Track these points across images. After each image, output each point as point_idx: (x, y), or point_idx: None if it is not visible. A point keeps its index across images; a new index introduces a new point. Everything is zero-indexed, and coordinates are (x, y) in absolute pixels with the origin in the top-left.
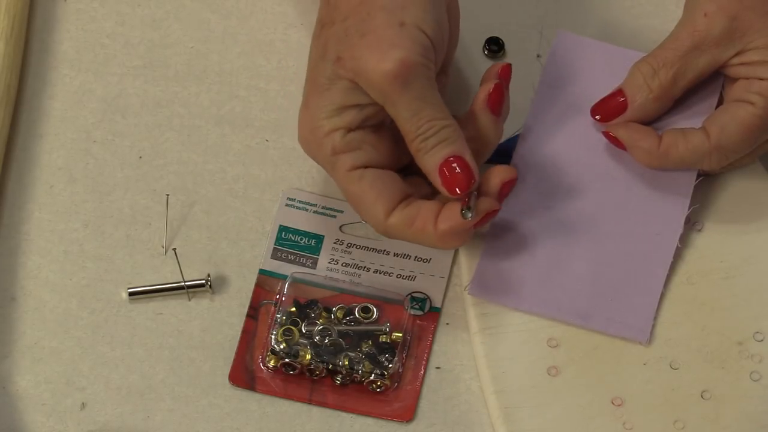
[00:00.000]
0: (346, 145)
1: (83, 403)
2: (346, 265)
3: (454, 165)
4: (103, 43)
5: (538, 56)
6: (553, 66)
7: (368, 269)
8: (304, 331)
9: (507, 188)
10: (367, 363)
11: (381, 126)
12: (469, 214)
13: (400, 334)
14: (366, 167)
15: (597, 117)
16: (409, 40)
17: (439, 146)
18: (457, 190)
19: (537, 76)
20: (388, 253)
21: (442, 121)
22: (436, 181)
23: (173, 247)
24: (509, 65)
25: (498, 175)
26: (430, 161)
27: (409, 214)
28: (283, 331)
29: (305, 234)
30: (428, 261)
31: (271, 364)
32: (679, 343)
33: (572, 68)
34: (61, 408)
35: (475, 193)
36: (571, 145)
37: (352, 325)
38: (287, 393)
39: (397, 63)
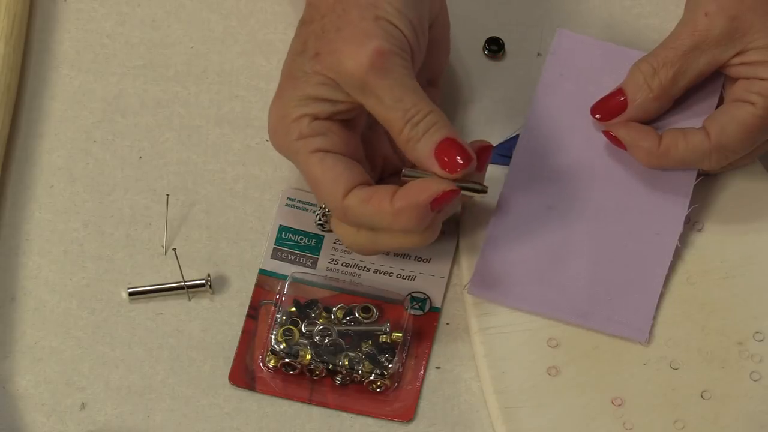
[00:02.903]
0: (312, 130)
1: (83, 403)
2: (346, 265)
3: (450, 147)
4: (103, 43)
5: (538, 54)
6: (554, 65)
7: (368, 269)
8: (304, 331)
9: (484, 155)
10: (367, 363)
11: (348, 123)
12: (482, 187)
13: (400, 334)
14: (328, 152)
15: (597, 116)
16: (383, 30)
17: (429, 132)
18: (459, 160)
19: (537, 75)
20: (388, 253)
21: (427, 106)
22: (433, 165)
23: (173, 247)
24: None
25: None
26: (423, 149)
27: (366, 192)
28: (283, 331)
29: (305, 234)
30: (428, 261)
31: (271, 364)
32: (679, 343)
33: (572, 67)
34: (61, 408)
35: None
36: (571, 144)
37: (352, 325)
38: (287, 393)
39: (373, 51)
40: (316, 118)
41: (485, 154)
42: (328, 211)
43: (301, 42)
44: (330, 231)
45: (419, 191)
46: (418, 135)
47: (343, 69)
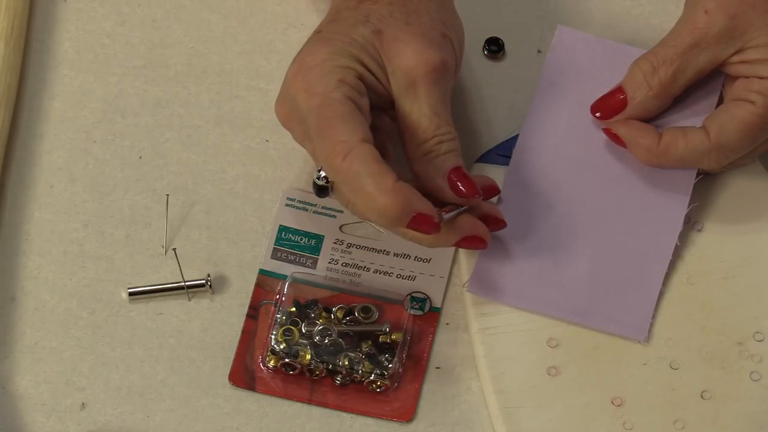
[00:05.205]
0: (355, 84)
1: (83, 403)
2: (346, 265)
3: (462, 175)
4: (103, 43)
5: (538, 52)
6: (554, 62)
7: (368, 269)
8: (304, 331)
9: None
10: (367, 363)
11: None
12: (444, 216)
13: (400, 334)
14: (361, 110)
15: (597, 114)
16: (448, 50)
17: (450, 154)
18: (463, 190)
19: (537, 74)
20: (388, 253)
21: (453, 129)
22: (443, 184)
23: (173, 247)
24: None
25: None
26: (440, 166)
27: (378, 155)
28: (283, 331)
29: (305, 234)
30: (428, 261)
31: (271, 364)
32: (679, 343)
33: (573, 64)
34: (61, 408)
35: (461, 209)
36: (571, 141)
37: (352, 325)
38: (287, 393)
39: (438, 58)
40: (361, 77)
41: (490, 193)
42: None
43: (361, 14)
44: (325, 192)
45: (419, 200)
46: (440, 152)
47: (402, 62)
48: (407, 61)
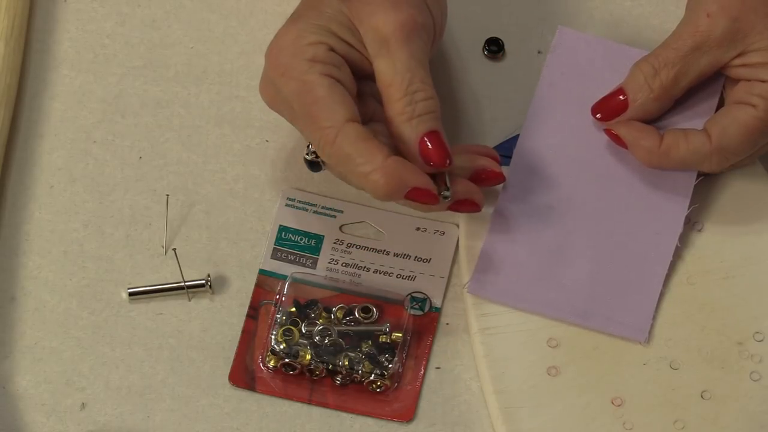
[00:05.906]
0: (328, 57)
1: (83, 403)
2: (346, 265)
3: (434, 141)
4: (103, 43)
5: (539, 52)
6: (554, 63)
7: (368, 269)
8: (304, 331)
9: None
10: (367, 363)
11: (354, 74)
12: (448, 193)
13: (400, 334)
14: (339, 81)
15: (597, 116)
16: (417, 7)
17: (423, 117)
18: (432, 163)
19: (538, 74)
20: (388, 253)
21: (430, 89)
22: (414, 149)
23: (173, 247)
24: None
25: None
26: (412, 131)
27: (367, 133)
28: (283, 331)
29: (305, 234)
30: (428, 261)
31: (271, 364)
32: (679, 343)
33: (573, 65)
34: (61, 408)
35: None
36: (572, 142)
37: (352, 325)
38: (287, 393)
39: (408, 15)
40: (332, 49)
41: (492, 178)
42: None
43: None
44: (317, 167)
45: (412, 174)
46: (412, 113)
47: (372, 21)
48: (376, 19)
